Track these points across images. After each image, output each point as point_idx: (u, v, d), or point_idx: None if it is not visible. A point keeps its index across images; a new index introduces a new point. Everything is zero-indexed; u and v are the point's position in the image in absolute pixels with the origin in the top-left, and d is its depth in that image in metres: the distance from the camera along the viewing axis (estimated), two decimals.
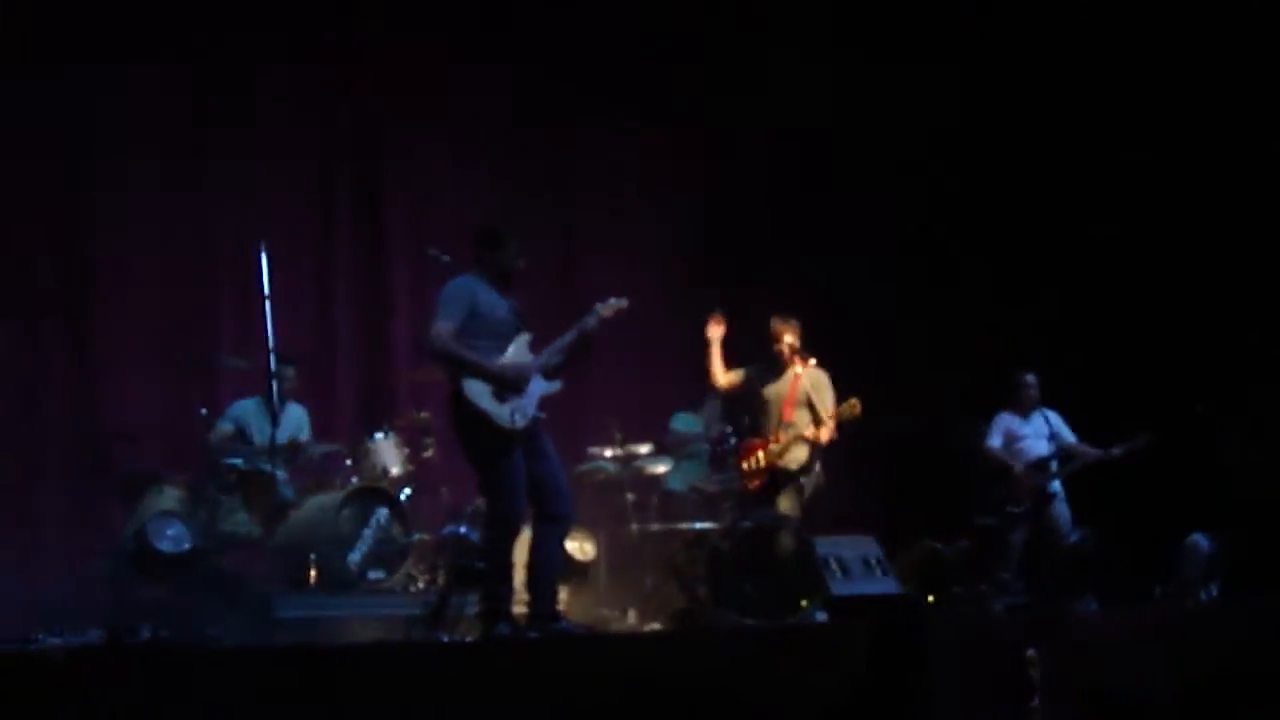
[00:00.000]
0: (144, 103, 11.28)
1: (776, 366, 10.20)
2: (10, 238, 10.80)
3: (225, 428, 10.23)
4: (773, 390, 10.22)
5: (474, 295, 8.14)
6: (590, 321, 8.41)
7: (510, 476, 8.06)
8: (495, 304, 8.20)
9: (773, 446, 10.05)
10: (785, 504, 10.00)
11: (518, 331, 8.25)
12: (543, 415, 8.22)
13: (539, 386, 8.20)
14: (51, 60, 10.83)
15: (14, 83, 10.63)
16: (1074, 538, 10.92)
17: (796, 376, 10.11)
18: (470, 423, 8.05)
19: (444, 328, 8.03)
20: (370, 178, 12.40)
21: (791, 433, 10.02)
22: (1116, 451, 10.91)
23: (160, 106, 11.35)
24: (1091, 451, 11.08)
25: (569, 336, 8.39)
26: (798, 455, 10.06)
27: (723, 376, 10.26)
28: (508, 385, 8.04)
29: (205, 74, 11.51)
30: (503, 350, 8.14)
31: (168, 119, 11.39)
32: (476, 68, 12.53)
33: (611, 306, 8.49)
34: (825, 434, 9.97)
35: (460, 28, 12.50)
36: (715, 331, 10.15)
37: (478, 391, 7.99)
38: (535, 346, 8.30)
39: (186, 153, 11.49)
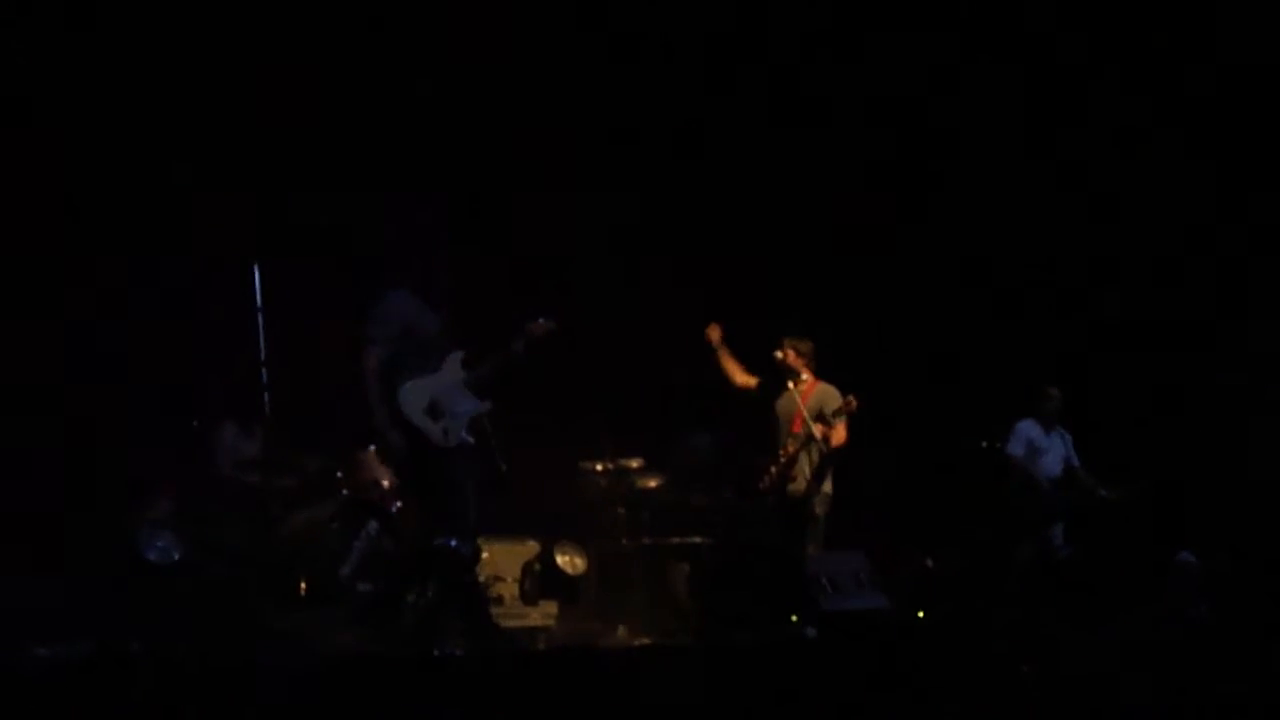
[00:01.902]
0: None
1: (787, 383, 10.18)
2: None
3: (225, 439, 10.16)
4: (783, 406, 10.21)
5: (405, 312, 7.96)
6: (518, 343, 8.16)
7: (456, 487, 7.94)
8: (428, 322, 8.00)
9: (782, 458, 10.01)
10: (811, 545, 9.97)
11: (449, 350, 8.08)
12: (470, 440, 8.03)
13: (469, 406, 8.03)
14: None
15: None
16: (1064, 553, 10.90)
17: (805, 394, 10.10)
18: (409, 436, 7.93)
19: (373, 353, 7.85)
20: None
21: (798, 441, 9.99)
22: (1111, 496, 10.86)
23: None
24: (1098, 490, 11.01)
25: (497, 357, 8.15)
26: (803, 468, 10.03)
27: (740, 376, 10.28)
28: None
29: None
30: (436, 369, 7.96)
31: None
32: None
33: (541, 327, 8.22)
34: (835, 435, 9.93)
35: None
36: (715, 335, 10.19)
37: (411, 406, 7.86)
38: (467, 363, 8.11)
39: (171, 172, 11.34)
